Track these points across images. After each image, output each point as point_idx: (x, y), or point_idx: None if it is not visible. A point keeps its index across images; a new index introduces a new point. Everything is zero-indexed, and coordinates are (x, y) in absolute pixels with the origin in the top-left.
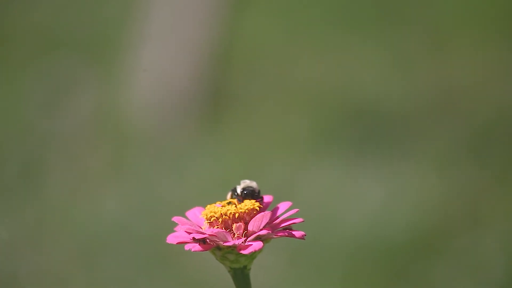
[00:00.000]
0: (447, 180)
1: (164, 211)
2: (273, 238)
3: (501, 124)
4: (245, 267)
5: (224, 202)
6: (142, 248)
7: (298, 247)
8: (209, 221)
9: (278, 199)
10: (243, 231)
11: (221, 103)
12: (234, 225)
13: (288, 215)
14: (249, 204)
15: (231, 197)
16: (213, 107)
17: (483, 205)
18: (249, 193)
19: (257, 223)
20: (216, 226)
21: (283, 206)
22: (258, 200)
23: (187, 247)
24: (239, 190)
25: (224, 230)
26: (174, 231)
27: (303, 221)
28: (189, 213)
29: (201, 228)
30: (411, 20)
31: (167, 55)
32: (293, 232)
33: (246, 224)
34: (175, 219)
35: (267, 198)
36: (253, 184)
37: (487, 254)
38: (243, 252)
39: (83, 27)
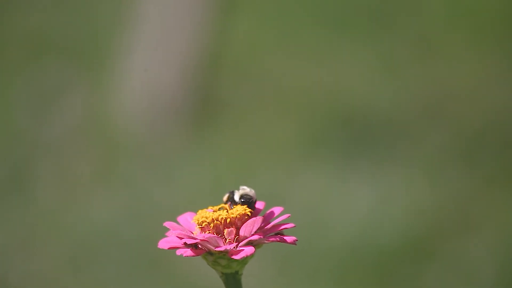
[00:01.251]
0: (437, 185)
1: (154, 217)
2: (265, 243)
3: (491, 128)
4: (236, 272)
5: (215, 207)
6: (133, 253)
7: (289, 253)
8: (200, 226)
9: (269, 204)
10: (235, 236)
11: (212, 109)
12: (226, 230)
13: (279, 220)
14: (240, 209)
15: (227, 199)
16: (204, 112)
17: (473, 210)
18: (246, 202)
19: (249, 228)
20: (208, 231)
21: (274, 211)
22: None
23: (178, 252)
24: (236, 197)
25: (215, 235)
26: (166, 236)
27: (294, 226)
28: (180, 218)
29: (193, 233)
30: (401, 25)
31: (157, 61)
32: (285, 237)
33: (238, 229)
34: (166, 224)
35: (259, 204)
36: (252, 192)
37: (477, 258)
38: (234, 257)
39: (73, 33)
